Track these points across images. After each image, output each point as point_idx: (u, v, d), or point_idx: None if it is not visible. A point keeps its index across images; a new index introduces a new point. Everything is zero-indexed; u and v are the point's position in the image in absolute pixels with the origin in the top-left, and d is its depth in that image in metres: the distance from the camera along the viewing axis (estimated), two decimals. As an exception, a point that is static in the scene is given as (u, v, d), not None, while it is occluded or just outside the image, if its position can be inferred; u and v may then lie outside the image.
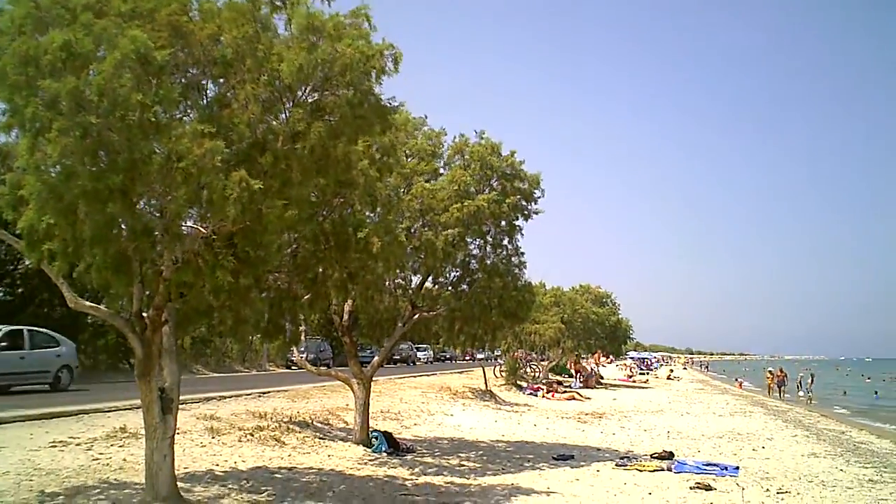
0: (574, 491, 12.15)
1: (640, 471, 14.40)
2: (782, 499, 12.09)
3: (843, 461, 16.96)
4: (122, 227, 7.27)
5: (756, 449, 18.55)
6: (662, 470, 14.51)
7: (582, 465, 14.98)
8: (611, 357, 75.11)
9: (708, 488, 12.63)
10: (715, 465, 15.10)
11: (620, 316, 51.36)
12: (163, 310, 8.38)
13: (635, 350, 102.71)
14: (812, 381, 46.96)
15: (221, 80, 7.73)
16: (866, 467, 16.14)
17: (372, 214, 10.71)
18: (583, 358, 54.43)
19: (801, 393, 46.64)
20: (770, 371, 49.52)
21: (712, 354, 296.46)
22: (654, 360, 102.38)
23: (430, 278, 15.76)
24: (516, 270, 15.62)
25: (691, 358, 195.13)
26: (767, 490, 12.76)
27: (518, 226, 15.34)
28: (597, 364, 54.06)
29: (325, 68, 7.85)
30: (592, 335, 45.58)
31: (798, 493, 12.56)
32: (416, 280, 15.90)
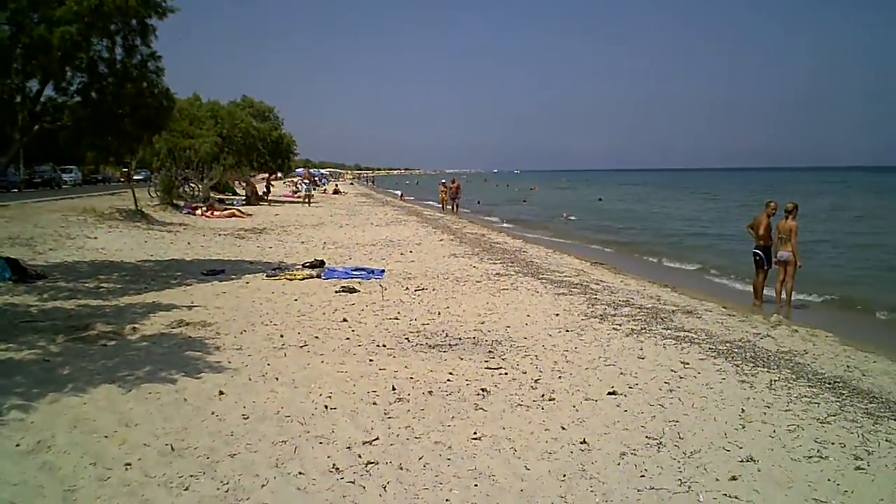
0: (218, 303, 11.89)
1: (291, 279, 14.52)
2: (418, 295, 12.90)
3: (478, 259, 18.55)
4: None
5: (404, 253, 19.62)
6: (312, 277, 14.77)
7: (232, 279, 14.72)
8: (278, 174, 74.83)
9: (352, 291, 13.09)
10: (362, 269, 15.68)
11: (284, 131, 50.62)
12: None
13: (304, 167, 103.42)
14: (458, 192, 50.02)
15: None
16: (496, 263, 17.81)
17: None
18: (256, 178, 53.10)
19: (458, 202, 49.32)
20: (444, 183, 50.51)
21: (380, 170, 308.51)
22: (321, 177, 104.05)
23: (51, 85, 13.83)
24: (153, 77, 14.23)
25: (359, 174, 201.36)
26: (407, 289, 13.56)
27: (152, 25, 13.78)
28: (310, 182, 52.37)
29: None
30: (253, 150, 44.49)
31: (433, 290, 13.50)
32: (34, 86, 13.89)
